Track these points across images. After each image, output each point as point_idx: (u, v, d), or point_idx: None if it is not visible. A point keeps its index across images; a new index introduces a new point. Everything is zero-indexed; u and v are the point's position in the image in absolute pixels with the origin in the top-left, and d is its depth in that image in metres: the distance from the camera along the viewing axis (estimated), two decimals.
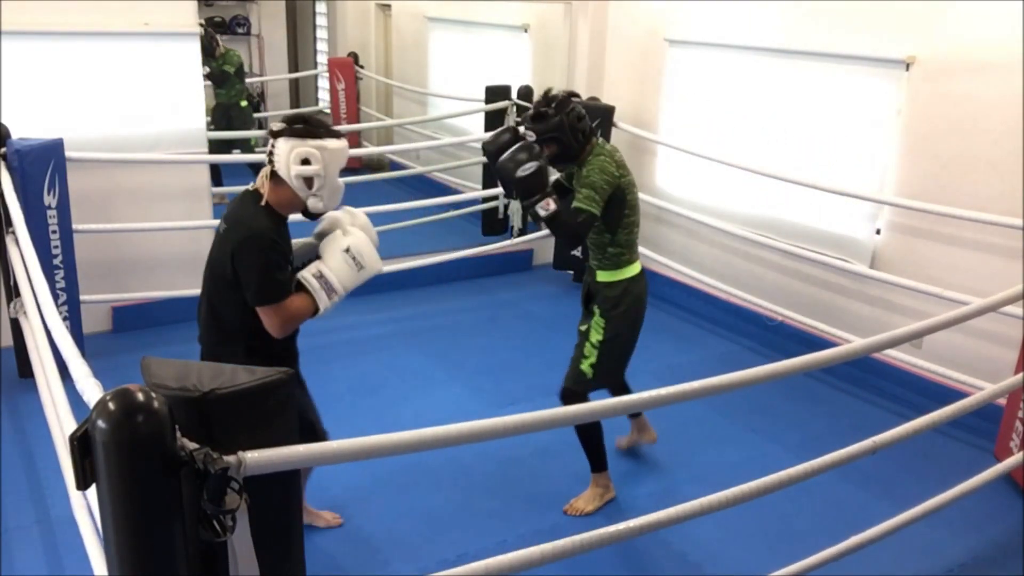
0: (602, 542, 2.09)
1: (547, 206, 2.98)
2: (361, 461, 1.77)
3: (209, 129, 5.37)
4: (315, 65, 10.25)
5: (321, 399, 4.00)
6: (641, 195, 5.51)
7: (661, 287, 5.65)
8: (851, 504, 3.31)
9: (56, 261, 4.08)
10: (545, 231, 6.07)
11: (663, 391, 2.02)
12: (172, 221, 4.69)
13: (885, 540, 2.69)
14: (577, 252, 5.75)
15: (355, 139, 8.35)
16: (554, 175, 3.26)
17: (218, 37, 7.31)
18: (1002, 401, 3.54)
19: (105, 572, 1.56)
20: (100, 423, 1.30)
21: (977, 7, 3.81)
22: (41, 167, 3.93)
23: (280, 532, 1.59)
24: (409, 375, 4.27)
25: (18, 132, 3.98)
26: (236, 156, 6.37)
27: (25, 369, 3.99)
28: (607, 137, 5.53)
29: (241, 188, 2.61)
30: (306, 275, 2.52)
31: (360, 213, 2.75)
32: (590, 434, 3.22)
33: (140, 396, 1.32)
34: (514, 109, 6.26)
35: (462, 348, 4.72)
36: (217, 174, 6.31)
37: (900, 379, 4.27)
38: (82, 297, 4.29)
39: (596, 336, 3.15)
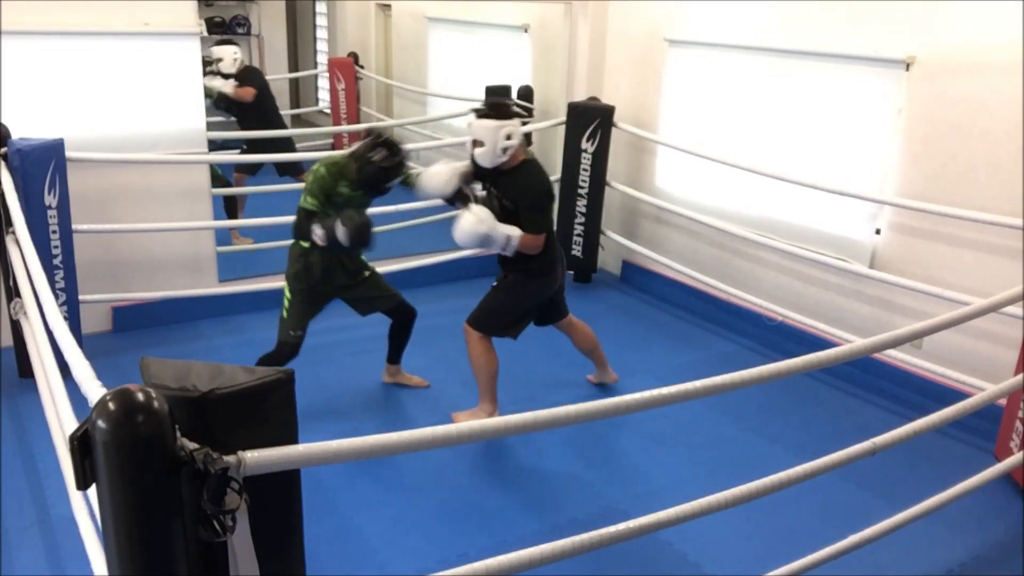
0: (602, 542, 2.09)
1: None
2: (361, 461, 1.77)
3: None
4: (315, 65, 10.25)
5: (321, 398, 4.01)
6: (641, 195, 5.56)
7: (661, 287, 5.65)
8: (851, 504, 3.30)
9: (56, 261, 4.08)
10: None
11: (663, 391, 2.02)
12: (172, 221, 4.69)
13: (885, 540, 2.70)
14: (578, 252, 5.76)
15: (356, 139, 8.35)
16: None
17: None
18: (1002, 401, 3.54)
19: (105, 572, 1.55)
20: (100, 423, 1.30)
21: (977, 7, 3.81)
22: (42, 167, 3.93)
23: (280, 532, 1.59)
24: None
25: (19, 132, 3.98)
26: (236, 156, 6.35)
27: (25, 369, 3.99)
28: (607, 137, 5.54)
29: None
30: None
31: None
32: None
33: (140, 396, 1.32)
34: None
35: (462, 348, 4.70)
36: (232, 208, 6.15)
37: (900, 379, 4.27)
38: (81, 297, 4.29)
39: None
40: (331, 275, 3.80)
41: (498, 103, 3.66)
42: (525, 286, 3.78)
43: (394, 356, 4.19)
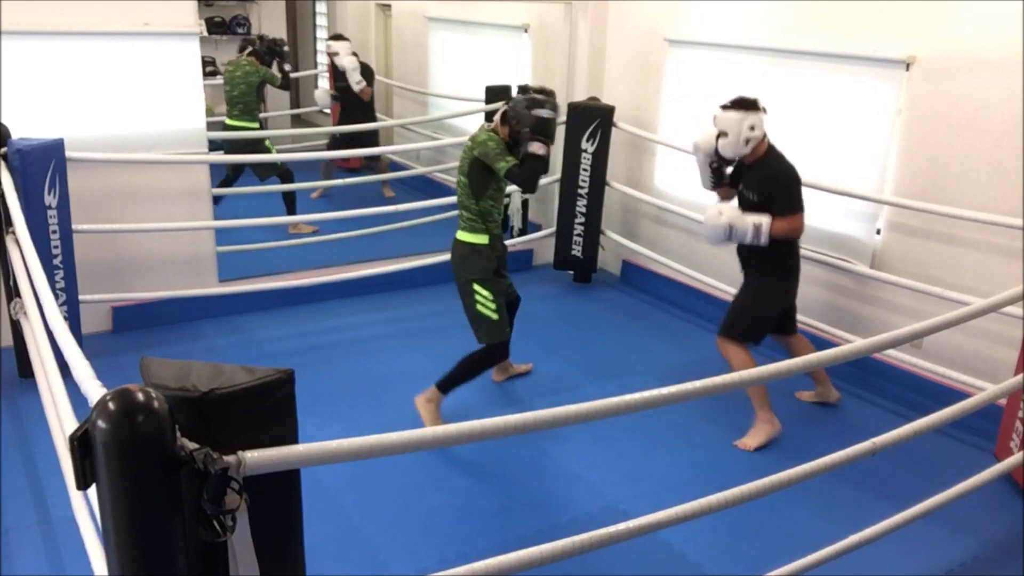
0: (602, 542, 2.09)
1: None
2: (361, 461, 1.77)
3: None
4: (315, 65, 10.25)
5: (321, 399, 4.01)
6: (641, 195, 5.56)
7: (661, 287, 5.65)
8: (851, 504, 3.31)
9: (56, 261, 4.08)
10: (548, 230, 6.07)
11: (663, 391, 2.02)
12: (172, 221, 4.69)
13: (885, 540, 2.70)
14: (578, 252, 5.76)
15: None
16: None
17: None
18: (1002, 401, 3.54)
19: (105, 572, 1.56)
20: (100, 423, 1.30)
21: (977, 7, 3.81)
22: (42, 167, 3.93)
23: (280, 532, 1.59)
24: (409, 375, 4.27)
25: (19, 132, 3.98)
26: (236, 157, 6.35)
27: (25, 369, 3.99)
28: (607, 137, 5.54)
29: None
30: None
31: None
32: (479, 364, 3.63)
33: (140, 396, 1.32)
34: None
35: (462, 348, 4.70)
36: (292, 202, 6.37)
37: (900, 379, 4.27)
38: (81, 297, 4.29)
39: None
40: (506, 264, 3.78)
41: (743, 98, 3.70)
42: (770, 287, 3.78)
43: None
